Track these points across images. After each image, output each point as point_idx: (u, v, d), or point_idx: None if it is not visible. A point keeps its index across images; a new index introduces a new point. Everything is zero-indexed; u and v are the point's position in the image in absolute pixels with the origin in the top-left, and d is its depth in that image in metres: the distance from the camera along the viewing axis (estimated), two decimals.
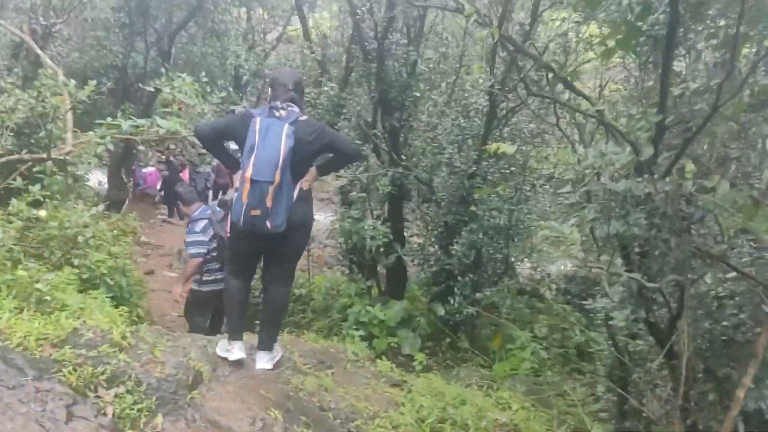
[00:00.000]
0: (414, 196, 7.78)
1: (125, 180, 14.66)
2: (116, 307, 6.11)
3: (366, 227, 7.20)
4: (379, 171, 6.82)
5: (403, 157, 6.97)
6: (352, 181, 6.84)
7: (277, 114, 3.63)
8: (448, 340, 7.46)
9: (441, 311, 7.05)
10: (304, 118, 3.73)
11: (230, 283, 4.01)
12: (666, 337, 3.44)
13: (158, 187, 16.81)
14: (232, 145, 3.92)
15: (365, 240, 7.40)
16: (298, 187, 3.78)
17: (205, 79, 6.39)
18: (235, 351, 4.08)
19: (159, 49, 13.60)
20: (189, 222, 5.92)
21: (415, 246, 8.22)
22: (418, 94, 7.15)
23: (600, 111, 3.32)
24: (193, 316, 6.05)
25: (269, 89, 3.84)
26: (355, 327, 7.08)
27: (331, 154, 3.95)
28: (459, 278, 6.83)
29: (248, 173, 3.46)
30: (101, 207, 6.00)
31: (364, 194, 7.51)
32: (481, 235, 6.55)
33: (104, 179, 14.48)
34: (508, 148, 3.65)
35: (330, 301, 8.23)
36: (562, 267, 8.64)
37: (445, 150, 6.94)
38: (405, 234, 8.36)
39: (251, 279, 4.06)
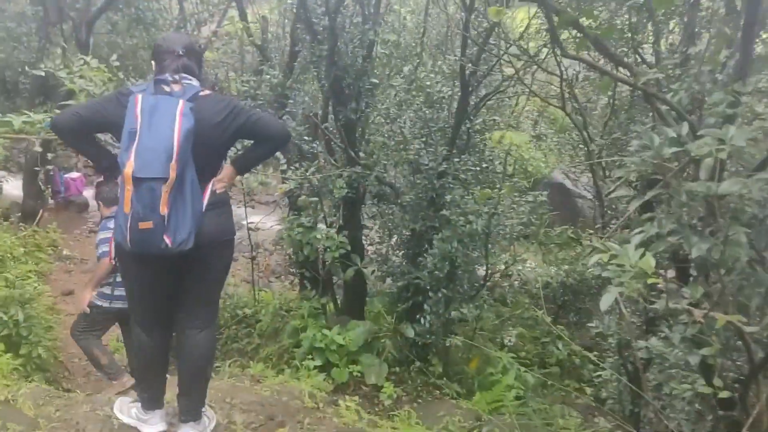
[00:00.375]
0: (373, 199, 6.76)
1: (43, 187, 13.11)
2: (7, 350, 4.92)
3: (319, 237, 6.14)
4: (333, 171, 5.77)
5: (361, 154, 5.93)
6: (301, 184, 5.76)
7: (167, 89, 2.55)
8: (417, 363, 6.49)
9: (410, 333, 6.05)
10: (206, 92, 2.65)
11: (140, 339, 2.89)
12: (741, 390, 2.55)
13: (84, 193, 15.16)
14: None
15: (318, 251, 6.35)
16: (209, 189, 2.74)
17: (117, 63, 5.18)
18: (153, 422, 3.00)
19: (77, 39, 12.11)
20: (102, 221, 4.83)
21: (375, 255, 7.20)
22: (376, 81, 6.11)
23: (651, 81, 2.39)
24: (82, 334, 4.82)
25: (153, 63, 2.78)
26: (310, 356, 6.00)
27: (250, 142, 2.96)
28: (430, 294, 5.85)
29: (129, 169, 2.38)
30: None
31: (316, 198, 6.45)
32: (455, 244, 5.58)
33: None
34: (517, 136, 2.70)
35: (279, 323, 7.12)
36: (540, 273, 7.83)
37: (410, 145, 5.95)
38: (364, 241, 7.34)
39: (169, 329, 2.95)
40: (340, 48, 5.80)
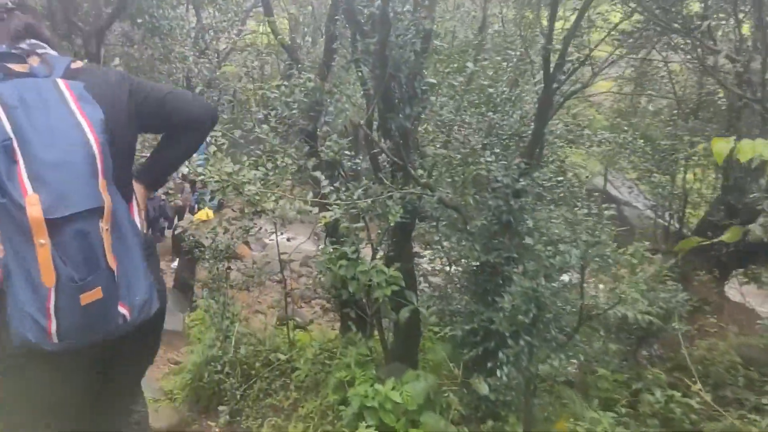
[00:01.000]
0: (433, 224, 5.65)
1: None
2: None
3: (366, 270, 5.05)
4: (386, 193, 4.66)
5: (420, 172, 4.82)
6: (347, 210, 4.68)
7: (18, 68, 1.50)
8: (489, 422, 5.34)
9: (485, 389, 4.90)
10: (79, 64, 1.61)
11: None
12: None
13: None
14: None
15: (366, 288, 5.25)
16: (136, 218, 1.68)
17: None
18: None
19: (87, 52, 11.26)
20: None
21: (431, 290, 6.09)
22: (433, 81, 5.00)
23: None
24: None
25: None
26: (363, 422, 4.87)
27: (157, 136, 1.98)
28: (509, 342, 4.71)
29: (34, 209, 1.29)
30: None
31: (362, 224, 5.37)
32: (542, 281, 4.44)
33: None
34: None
35: (320, 372, 6.02)
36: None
37: (479, 158, 4.83)
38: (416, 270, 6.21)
39: None
40: (391, 41, 4.70)
